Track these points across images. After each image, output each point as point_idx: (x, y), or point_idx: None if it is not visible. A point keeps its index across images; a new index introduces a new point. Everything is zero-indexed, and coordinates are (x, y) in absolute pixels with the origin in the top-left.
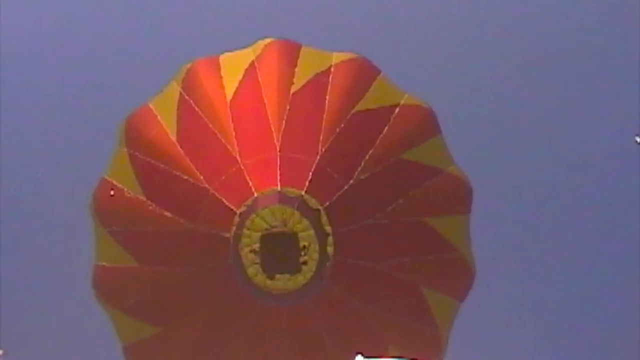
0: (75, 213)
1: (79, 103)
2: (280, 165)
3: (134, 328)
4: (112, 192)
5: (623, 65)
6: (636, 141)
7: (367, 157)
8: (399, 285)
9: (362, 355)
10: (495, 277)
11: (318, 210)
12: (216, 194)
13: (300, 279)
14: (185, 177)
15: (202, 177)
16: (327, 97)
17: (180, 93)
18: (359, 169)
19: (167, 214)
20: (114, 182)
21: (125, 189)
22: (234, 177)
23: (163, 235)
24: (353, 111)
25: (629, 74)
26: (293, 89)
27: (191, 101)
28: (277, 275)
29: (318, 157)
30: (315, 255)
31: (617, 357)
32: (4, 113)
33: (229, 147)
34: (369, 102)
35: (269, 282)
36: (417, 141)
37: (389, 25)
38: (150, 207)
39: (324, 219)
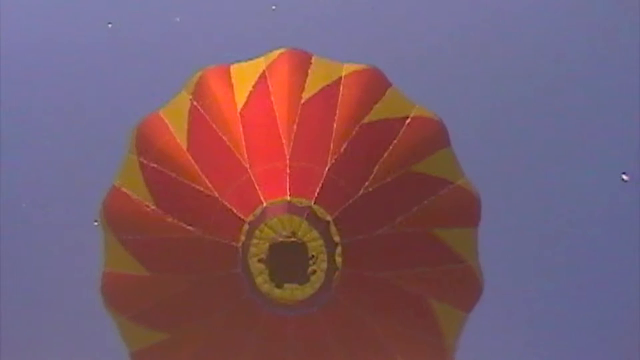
0: (84, 220)
1: (90, 110)
2: (289, 175)
3: (141, 335)
4: (95, 223)
5: (627, 72)
6: (622, 179)
7: (376, 168)
8: (407, 296)
9: None
10: (503, 289)
11: (327, 220)
12: (225, 203)
13: (308, 289)
14: (195, 186)
15: (211, 186)
16: (338, 108)
17: (191, 101)
18: (369, 180)
19: (176, 222)
20: (124, 189)
21: (140, 200)
22: (243, 187)
23: (171, 243)
24: (363, 122)
25: (632, 79)
26: (304, 99)
27: (202, 110)
28: (285, 285)
29: (327, 168)
30: (324, 266)
31: None
32: (12, 119)
33: (238, 156)
34: (379, 113)
35: (276, 291)
36: (427, 153)
37: (401, 37)
38: (160, 215)
39: (333, 229)
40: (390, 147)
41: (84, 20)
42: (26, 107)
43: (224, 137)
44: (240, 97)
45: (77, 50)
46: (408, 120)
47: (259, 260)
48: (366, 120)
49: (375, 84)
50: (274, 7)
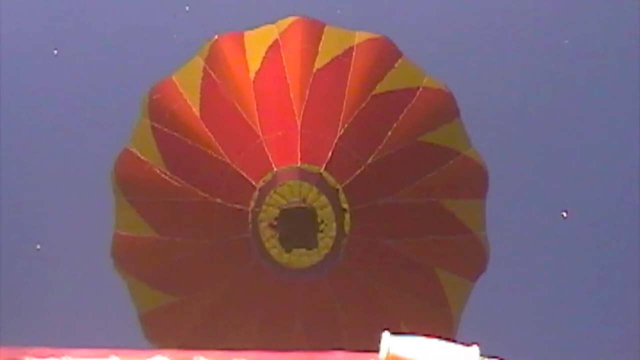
0: (96, 181)
1: (103, 74)
2: (300, 142)
3: (150, 296)
4: (38, 247)
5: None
6: (562, 216)
7: (386, 138)
8: (413, 264)
9: (389, 332)
10: (509, 259)
11: (336, 188)
12: (237, 168)
13: (316, 256)
14: (207, 151)
15: (223, 151)
16: (349, 77)
17: (204, 67)
18: (378, 149)
19: (188, 185)
20: (136, 152)
21: (152, 163)
22: (254, 152)
23: (183, 207)
24: (374, 92)
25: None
26: (316, 68)
27: (214, 76)
28: (294, 250)
29: (338, 136)
30: (332, 233)
31: (628, 345)
32: (23, 84)
33: (250, 122)
34: (389, 83)
35: (285, 255)
36: (436, 124)
37: (413, 5)
38: (171, 179)
39: (342, 196)
40: (400, 117)
41: None
42: (40, 61)
43: (236, 104)
44: (253, 64)
45: None
46: (418, 92)
47: (269, 225)
48: (377, 90)
49: (386, 54)
50: (187, 8)
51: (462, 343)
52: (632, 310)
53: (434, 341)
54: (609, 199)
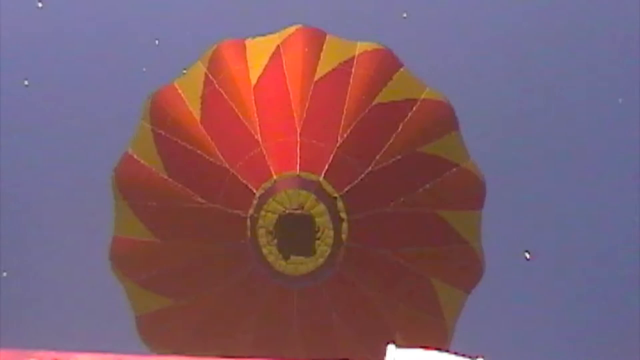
0: (96, 185)
1: (104, 79)
2: (300, 150)
3: (147, 300)
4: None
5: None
6: (526, 257)
7: (385, 148)
8: (409, 274)
9: (395, 344)
10: (504, 271)
11: (334, 196)
12: (236, 174)
13: (312, 264)
14: (207, 157)
15: (223, 158)
16: (349, 87)
17: (206, 74)
18: (376, 158)
19: (187, 191)
20: (137, 157)
21: (152, 168)
22: (254, 159)
23: (181, 212)
24: (374, 102)
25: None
26: (316, 77)
27: (216, 83)
28: (292, 257)
29: (337, 145)
30: (329, 241)
31: (624, 353)
32: (26, 83)
33: (251, 129)
34: (389, 94)
35: (282, 262)
36: (435, 135)
37: (415, 18)
38: (171, 184)
39: (340, 205)
40: (399, 128)
41: None
42: (43, 66)
43: (237, 110)
44: (255, 71)
45: None
46: (418, 103)
47: (267, 232)
48: (377, 100)
49: (387, 65)
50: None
51: (465, 355)
52: (628, 313)
53: (439, 354)
54: (608, 200)
